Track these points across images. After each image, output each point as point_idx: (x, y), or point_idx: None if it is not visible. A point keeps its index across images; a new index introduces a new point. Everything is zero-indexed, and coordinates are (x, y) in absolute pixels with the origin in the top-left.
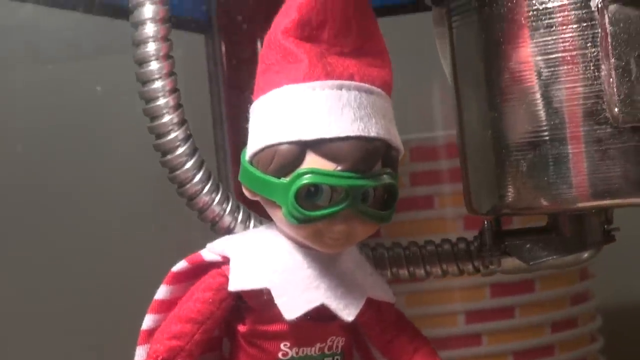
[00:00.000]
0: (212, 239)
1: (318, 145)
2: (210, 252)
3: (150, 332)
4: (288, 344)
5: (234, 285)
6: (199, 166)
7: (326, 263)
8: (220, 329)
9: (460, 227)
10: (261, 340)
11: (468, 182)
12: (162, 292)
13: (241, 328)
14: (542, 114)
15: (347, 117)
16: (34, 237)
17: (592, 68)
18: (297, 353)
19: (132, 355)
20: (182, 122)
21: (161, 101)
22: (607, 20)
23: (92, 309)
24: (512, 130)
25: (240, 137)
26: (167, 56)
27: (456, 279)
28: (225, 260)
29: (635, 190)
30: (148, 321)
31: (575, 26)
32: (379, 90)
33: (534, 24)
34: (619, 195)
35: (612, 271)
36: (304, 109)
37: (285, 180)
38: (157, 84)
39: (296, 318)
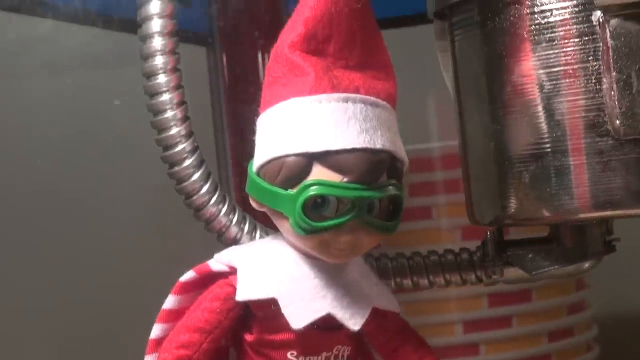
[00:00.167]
0: (213, 249)
1: (325, 157)
2: (217, 262)
3: (159, 342)
4: (295, 353)
5: (241, 295)
6: (206, 177)
7: (332, 273)
8: (227, 339)
9: (457, 237)
10: (268, 349)
11: (470, 193)
12: (170, 301)
13: (248, 337)
14: (544, 126)
15: (353, 130)
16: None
17: (593, 81)
18: None
19: None
20: (189, 134)
21: (169, 114)
22: (608, 34)
23: (98, 317)
24: (514, 142)
25: (241, 148)
26: (175, 69)
27: (454, 289)
28: (233, 271)
29: (636, 202)
30: (156, 330)
31: (576, 40)
32: (384, 102)
33: (536, 37)
34: (621, 206)
35: (607, 281)
36: (310, 122)
37: (292, 191)
38: (165, 97)
39: (303, 327)
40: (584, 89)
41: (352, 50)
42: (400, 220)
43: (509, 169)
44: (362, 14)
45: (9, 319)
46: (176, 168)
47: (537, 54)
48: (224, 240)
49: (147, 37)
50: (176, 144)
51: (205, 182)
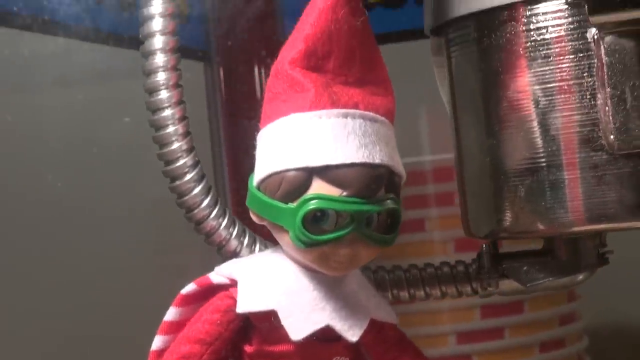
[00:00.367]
0: (212, 262)
1: (324, 172)
2: (218, 274)
3: (160, 353)
4: None
5: (241, 307)
6: (206, 192)
7: (331, 285)
8: (227, 350)
9: (450, 249)
10: None
11: (466, 206)
12: (171, 313)
13: (248, 349)
14: (539, 141)
15: (352, 145)
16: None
17: (588, 97)
18: None
19: None
20: (190, 149)
21: (170, 129)
22: (603, 51)
23: (98, 329)
24: (510, 156)
25: (239, 163)
26: (176, 85)
27: (448, 301)
28: (233, 283)
29: (630, 215)
30: (157, 342)
31: (572, 56)
32: (383, 118)
33: (531, 54)
34: (615, 220)
35: (598, 293)
36: (310, 137)
37: (292, 205)
38: (167, 112)
39: (302, 339)
40: (579, 105)
41: (352, 67)
42: (398, 233)
43: (505, 183)
44: (361, 31)
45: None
46: (177, 182)
47: (532, 70)
48: (224, 254)
49: (149, 54)
50: (177, 159)
51: (206, 196)
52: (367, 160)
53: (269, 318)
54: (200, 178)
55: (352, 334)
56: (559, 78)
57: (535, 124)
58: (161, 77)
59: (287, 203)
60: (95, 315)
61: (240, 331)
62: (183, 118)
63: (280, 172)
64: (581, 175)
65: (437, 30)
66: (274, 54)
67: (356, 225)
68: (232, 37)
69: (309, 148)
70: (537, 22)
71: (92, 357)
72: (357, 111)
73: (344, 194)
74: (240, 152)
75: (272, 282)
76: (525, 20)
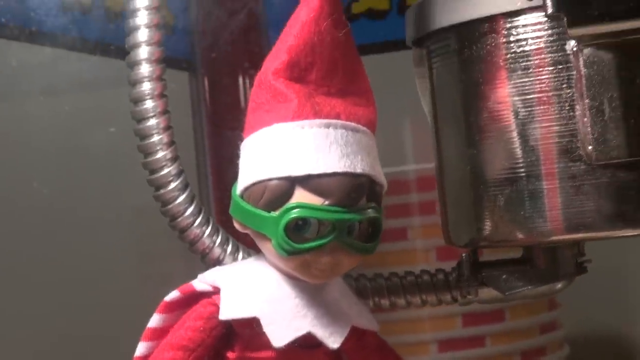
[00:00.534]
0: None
1: (306, 181)
2: (201, 282)
3: (143, 359)
4: None
5: (224, 314)
6: (190, 200)
7: (313, 293)
8: (210, 357)
9: (432, 257)
10: None
11: (446, 215)
12: (154, 320)
13: (230, 355)
14: (519, 151)
15: (334, 154)
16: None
17: (567, 108)
18: None
19: None
20: (175, 158)
21: (155, 138)
22: (581, 62)
23: (81, 336)
24: (490, 166)
25: (223, 172)
26: (161, 95)
27: (429, 309)
28: (216, 290)
29: (608, 224)
30: (141, 348)
31: (551, 68)
32: (364, 128)
33: (511, 65)
34: (592, 229)
35: (579, 302)
36: (293, 147)
37: (275, 214)
38: (152, 122)
39: (284, 345)
40: (557, 116)
41: (334, 78)
42: (379, 242)
43: (485, 192)
44: (344, 43)
45: None
46: (162, 191)
47: (512, 82)
48: (208, 261)
49: (135, 64)
50: (162, 168)
51: (190, 205)
52: (349, 170)
53: (252, 325)
54: (184, 187)
55: (333, 341)
56: (539, 89)
57: (514, 134)
58: (146, 87)
59: (269, 212)
60: (78, 321)
61: (222, 338)
62: (167, 127)
63: (263, 181)
64: (560, 185)
65: (418, 41)
66: (258, 65)
67: (338, 234)
68: (216, 48)
69: (291, 157)
70: (517, 34)
71: None
72: (339, 121)
73: (326, 203)
74: (224, 161)
75: (255, 290)
76: (506, 32)
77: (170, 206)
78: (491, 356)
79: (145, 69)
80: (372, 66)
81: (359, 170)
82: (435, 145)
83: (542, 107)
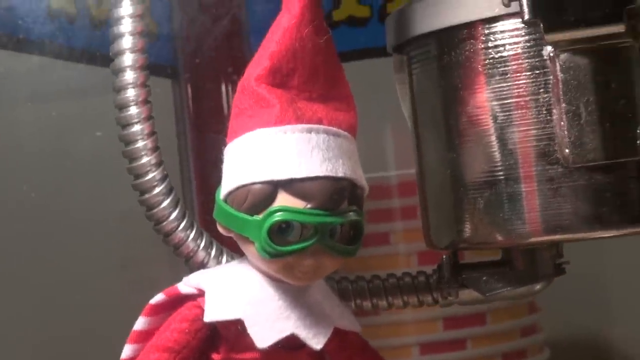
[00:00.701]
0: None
1: (289, 185)
2: (186, 285)
3: None
4: None
5: (209, 316)
6: (175, 204)
7: (296, 295)
8: (195, 358)
9: (414, 262)
10: None
11: (427, 218)
12: (140, 323)
13: (215, 357)
14: (497, 155)
15: (316, 159)
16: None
17: (544, 112)
18: None
19: None
20: (159, 164)
21: (140, 144)
22: (558, 68)
23: (65, 341)
24: (469, 170)
25: (205, 175)
26: (146, 101)
27: (410, 313)
28: (201, 293)
29: (585, 226)
30: (127, 351)
31: (528, 73)
32: (345, 133)
33: (490, 71)
34: (570, 231)
35: (559, 306)
36: (275, 151)
37: (258, 217)
38: (136, 128)
39: (268, 347)
40: (535, 120)
41: (315, 83)
42: (361, 244)
43: (464, 195)
44: (324, 49)
45: None
46: (146, 195)
47: (491, 87)
48: (192, 265)
49: (119, 71)
50: (147, 173)
51: (174, 209)
52: (331, 174)
53: (236, 327)
54: (169, 191)
55: (316, 342)
56: (516, 94)
57: (493, 138)
58: (131, 93)
59: (253, 215)
60: (64, 324)
61: (207, 340)
62: (152, 133)
63: (247, 185)
64: (538, 188)
65: (398, 48)
66: (241, 72)
67: (320, 237)
68: (199, 54)
69: (274, 162)
70: (495, 40)
71: None
72: (321, 126)
73: (308, 206)
74: (207, 166)
75: (239, 292)
76: (484, 38)
77: (155, 210)
78: (472, 359)
79: (129, 76)
80: (353, 73)
81: (340, 174)
82: (416, 149)
83: (520, 112)
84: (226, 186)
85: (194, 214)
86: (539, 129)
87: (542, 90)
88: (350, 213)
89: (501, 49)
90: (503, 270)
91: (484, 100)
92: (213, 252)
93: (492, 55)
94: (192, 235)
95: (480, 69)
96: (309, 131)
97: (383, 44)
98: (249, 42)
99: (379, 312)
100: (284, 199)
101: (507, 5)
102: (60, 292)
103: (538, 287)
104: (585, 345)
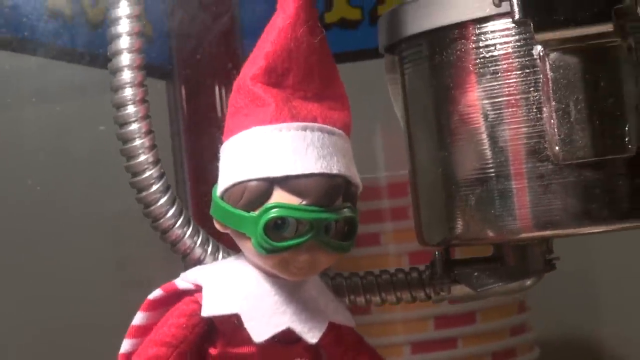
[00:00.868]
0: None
1: (285, 182)
2: (183, 281)
3: (128, 356)
4: None
5: (206, 311)
6: (172, 202)
7: (291, 290)
8: (192, 353)
9: (405, 262)
10: None
11: (420, 216)
12: (138, 318)
13: (212, 351)
14: (488, 152)
15: (311, 156)
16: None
17: (534, 110)
18: None
19: None
20: (156, 162)
21: (137, 142)
22: (548, 67)
23: (59, 341)
24: (461, 167)
25: (199, 174)
26: (143, 100)
27: (402, 313)
28: (198, 288)
29: (575, 222)
30: (126, 345)
31: (519, 72)
32: (340, 131)
33: (481, 70)
34: (560, 226)
35: (548, 305)
36: (271, 149)
37: (254, 214)
38: (134, 126)
39: (264, 341)
40: (525, 118)
41: (310, 83)
42: (355, 240)
43: (456, 192)
44: (319, 49)
45: None
46: (144, 193)
47: (482, 86)
48: (189, 261)
49: (117, 71)
50: (144, 171)
51: (172, 206)
52: (325, 171)
53: (233, 321)
54: (166, 189)
55: (311, 336)
56: (507, 93)
57: (484, 136)
58: (128, 92)
59: (249, 212)
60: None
61: (204, 334)
62: (149, 132)
63: (243, 182)
64: (528, 185)
65: (390, 48)
66: (234, 72)
67: (315, 233)
68: (193, 56)
69: (270, 159)
70: (486, 39)
71: None
72: (316, 124)
73: (304, 202)
74: (201, 166)
75: (235, 287)
76: (475, 38)
77: (152, 208)
78: (463, 358)
79: (127, 75)
80: (344, 74)
81: (335, 171)
82: (408, 148)
83: (510, 110)
84: (223, 183)
85: (189, 212)
86: (529, 127)
87: (532, 88)
88: (345, 210)
89: (492, 48)
90: (494, 266)
91: (475, 99)
92: (209, 249)
93: (483, 55)
94: (189, 232)
95: (471, 68)
96: (304, 129)
97: (374, 46)
98: (243, 43)
99: (371, 311)
100: (279, 196)
101: (497, 6)
102: (56, 290)
103: (529, 282)
104: (575, 344)
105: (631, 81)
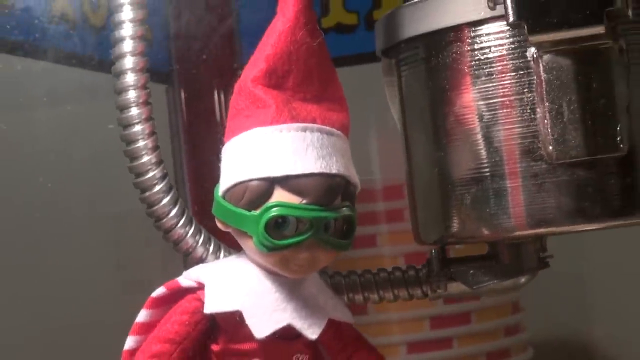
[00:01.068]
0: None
1: (285, 181)
2: (186, 278)
3: (132, 352)
4: None
5: (209, 308)
6: (174, 202)
7: (292, 287)
8: (195, 349)
9: (401, 263)
10: (234, 357)
11: (416, 215)
12: (142, 315)
13: (215, 347)
14: (483, 152)
15: (310, 156)
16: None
17: (528, 111)
18: None
19: None
20: (159, 162)
21: (141, 143)
22: (541, 68)
23: (59, 341)
24: (456, 167)
25: (198, 176)
26: (146, 102)
27: (398, 313)
28: (200, 286)
29: (568, 220)
30: (130, 342)
31: (513, 74)
32: (338, 132)
33: (476, 72)
34: (553, 224)
35: (542, 306)
36: (272, 149)
37: (255, 212)
38: (137, 128)
39: (265, 337)
40: (519, 118)
41: (310, 85)
42: (353, 239)
43: (452, 192)
44: (318, 52)
45: None
46: (147, 193)
47: (477, 87)
48: (191, 259)
49: (120, 73)
50: (147, 171)
51: (174, 206)
52: (325, 171)
53: (234, 318)
54: (169, 189)
55: (311, 332)
56: (502, 94)
57: (479, 136)
58: (132, 95)
59: (250, 211)
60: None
61: (207, 331)
62: (152, 133)
63: (244, 181)
64: (522, 184)
65: (387, 51)
66: (233, 76)
67: (315, 231)
68: (192, 60)
69: (270, 159)
70: (481, 42)
71: None
72: (315, 125)
73: (304, 201)
74: (200, 168)
75: (237, 285)
76: (470, 41)
77: (155, 208)
78: (458, 358)
79: (130, 78)
80: (340, 78)
81: (334, 170)
82: (405, 149)
83: (505, 111)
84: (224, 183)
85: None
86: (523, 127)
87: (526, 90)
88: (344, 208)
89: (487, 50)
90: (490, 264)
91: (471, 100)
92: (211, 248)
93: (478, 57)
94: (191, 232)
95: (466, 70)
96: (304, 130)
97: (370, 50)
98: (241, 48)
99: (368, 311)
100: (280, 195)
101: (492, 9)
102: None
103: (523, 280)
104: (568, 345)
105: (622, 82)
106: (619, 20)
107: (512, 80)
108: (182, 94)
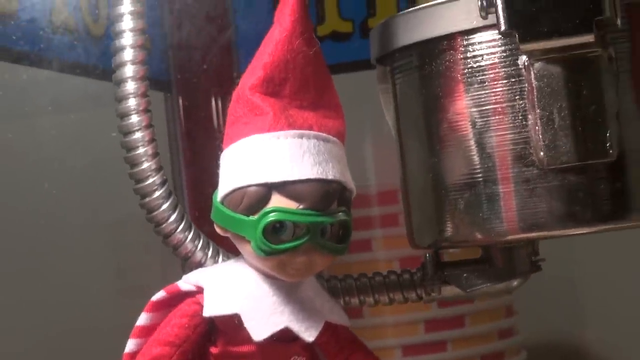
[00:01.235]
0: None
1: (282, 187)
2: (185, 282)
3: (132, 355)
4: None
5: (208, 312)
6: (173, 207)
7: (289, 291)
8: (194, 352)
9: (396, 268)
10: None
11: (411, 220)
12: (142, 319)
13: (214, 350)
14: (476, 158)
15: (307, 162)
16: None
17: (520, 118)
18: None
19: None
20: (159, 169)
21: (141, 150)
22: (533, 76)
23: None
24: (450, 173)
25: (196, 183)
26: (146, 110)
27: (393, 316)
28: (200, 290)
29: (559, 224)
30: (130, 345)
31: (505, 81)
32: (335, 138)
33: (469, 79)
34: (545, 228)
35: (535, 309)
36: (269, 156)
37: (253, 218)
38: (137, 135)
39: (263, 339)
40: (511, 125)
41: (306, 92)
42: (349, 243)
43: (446, 197)
44: (314, 60)
45: None
46: (147, 199)
47: (469, 94)
48: (190, 264)
49: (121, 82)
50: (147, 177)
51: (173, 212)
52: (321, 177)
53: (233, 321)
54: (168, 195)
55: (308, 334)
56: (494, 101)
57: (472, 143)
58: (132, 102)
59: (248, 216)
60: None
61: (206, 334)
62: (152, 140)
63: (243, 187)
64: (514, 189)
65: (382, 59)
66: (230, 84)
67: (312, 236)
68: (191, 69)
69: (268, 165)
70: (474, 50)
71: None
72: (312, 132)
73: (301, 207)
74: (198, 175)
75: (236, 289)
76: (463, 49)
77: (155, 213)
78: None
79: (130, 86)
80: (336, 86)
81: (330, 176)
82: (399, 155)
83: (497, 117)
84: (223, 189)
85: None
86: (515, 134)
87: (517, 97)
88: (340, 213)
89: (479, 58)
90: (483, 268)
91: (463, 107)
92: (210, 252)
93: (470, 65)
94: (190, 237)
95: (459, 78)
96: (301, 137)
97: (364, 58)
98: (238, 57)
99: (363, 314)
100: (277, 200)
101: (484, 18)
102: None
103: (515, 283)
104: (560, 347)
105: (612, 89)
106: (608, 29)
107: (504, 88)
108: (181, 102)
